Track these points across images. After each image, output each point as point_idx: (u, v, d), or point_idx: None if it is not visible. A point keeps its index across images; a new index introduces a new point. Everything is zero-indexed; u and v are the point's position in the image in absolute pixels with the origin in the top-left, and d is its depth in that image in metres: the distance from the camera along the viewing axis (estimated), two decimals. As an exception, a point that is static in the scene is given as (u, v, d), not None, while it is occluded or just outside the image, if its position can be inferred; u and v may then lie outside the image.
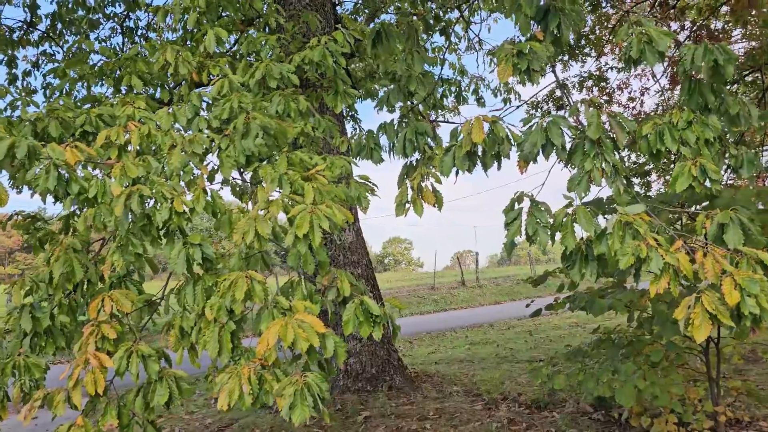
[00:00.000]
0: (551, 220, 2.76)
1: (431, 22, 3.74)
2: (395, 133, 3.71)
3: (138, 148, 3.74)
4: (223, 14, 6.62)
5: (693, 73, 3.07)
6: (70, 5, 9.56)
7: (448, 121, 13.48)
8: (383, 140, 4.03)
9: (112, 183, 3.32)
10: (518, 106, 9.28)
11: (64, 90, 6.37)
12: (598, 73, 10.30)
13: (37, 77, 10.09)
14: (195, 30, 5.76)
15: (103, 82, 6.08)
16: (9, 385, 3.60)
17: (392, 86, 3.75)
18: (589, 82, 10.47)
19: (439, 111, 5.13)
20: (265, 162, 3.56)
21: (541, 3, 2.86)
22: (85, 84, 6.26)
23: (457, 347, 11.52)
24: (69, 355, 3.92)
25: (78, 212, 5.33)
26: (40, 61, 9.84)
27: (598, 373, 4.34)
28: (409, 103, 3.70)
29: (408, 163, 3.67)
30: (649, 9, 9.11)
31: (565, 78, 10.12)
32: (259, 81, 4.67)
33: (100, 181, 3.36)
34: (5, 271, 39.09)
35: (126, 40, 10.79)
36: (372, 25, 10.14)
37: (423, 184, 3.44)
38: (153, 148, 3.82)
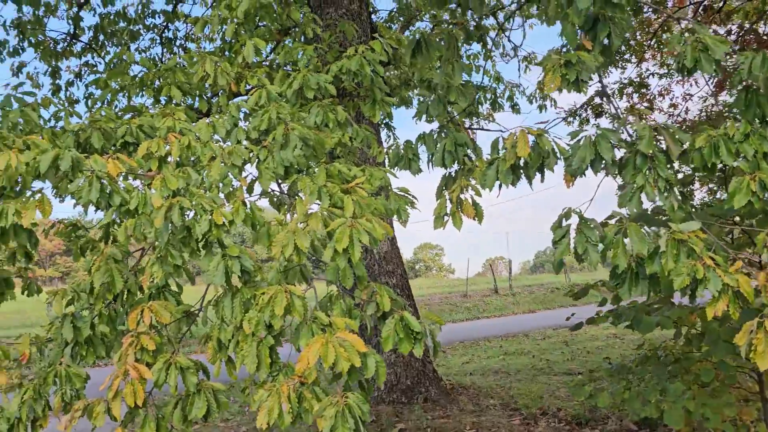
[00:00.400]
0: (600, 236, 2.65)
1: (471, 31, 3.67)
2: (434, 144, 3.64)
3: (177, 159, 3.76)
4: (260, 24, 6.67)
5: (749, 82, 2.93)
6: (111, 17, 9.78)
7: (483, 129, 13.34)
8: (421, 150, 3.97)
9: (153, 194, 3.33)
10: (564, 118, 9.11)
11: (106, 100, 6.49)
12: (638, 79, 10.05)
13: (79, 87, 10.36)
14: (233, 40, 5.79)
15: (143, 92, 6.17)
16: (50, 394, 3.64)
17: (431, 97, 3.68)
18: (629, 89, 10.23)
19: (474, 118, 5.03)
20: (302, 173, 3.53)
21: (590, 12, 2.76)
22: (126, 94, 6.38)
23: (491, 357, 11.34)
24: (108, 359, 3.94)
25: (118, 221, 5.40)
26: (82, 72, 10.09)
27: (645, 392, 4.18)
28: (446, 112, 3.63)
29: (447, 174, 3.60)
30: (692, 13, 8.85)
31: (605, 85, 9.87)
32: (296, 91, 4.66)
33: (141, 193, 3.37)
34: (46, 273, 40.15)
35: (165, 50, 11.00)
36: (407, 33, 10.10)
37: (462, 197, 3.37)
38: (192, 159, 3.84)
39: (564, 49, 2.98)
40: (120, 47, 10.10)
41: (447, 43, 3.53)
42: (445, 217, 3.39)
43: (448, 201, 3.39)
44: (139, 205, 3.35)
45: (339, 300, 3.12)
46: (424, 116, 3.77)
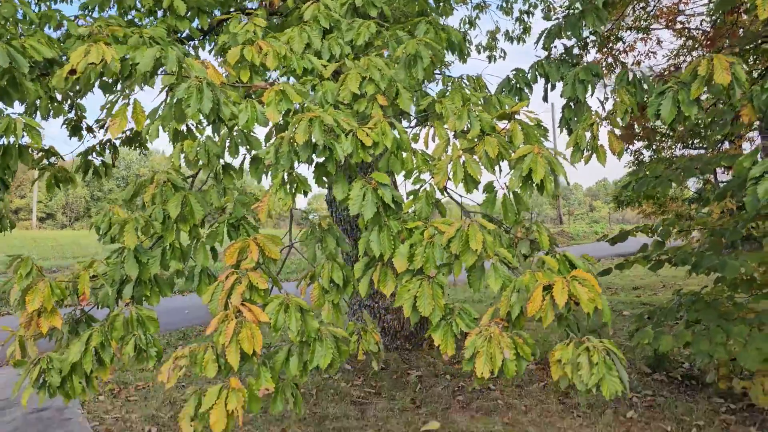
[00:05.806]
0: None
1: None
2: (557, 72, 3.35)
3: (274, 70, 3.22)
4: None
5: None
6: None
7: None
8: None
9: (267, 109, 2.81)
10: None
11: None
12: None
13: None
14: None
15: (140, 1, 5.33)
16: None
17: (555, 20, 3.37)
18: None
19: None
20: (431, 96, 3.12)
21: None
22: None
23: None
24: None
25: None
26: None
27: (708, 335, 4.26)
28: (581, 35, 3.34)
29: (575, 104, 3.33)
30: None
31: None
32: (351, 8, 4.16)
33: (251, 107, 2.83)
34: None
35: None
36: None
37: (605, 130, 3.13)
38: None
39: None
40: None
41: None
42: (585, 151, 3.13)
43: (587, 133, 3.13)
44: (249, 121, 2.82)
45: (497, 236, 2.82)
46: (542, 41, 3.44)
